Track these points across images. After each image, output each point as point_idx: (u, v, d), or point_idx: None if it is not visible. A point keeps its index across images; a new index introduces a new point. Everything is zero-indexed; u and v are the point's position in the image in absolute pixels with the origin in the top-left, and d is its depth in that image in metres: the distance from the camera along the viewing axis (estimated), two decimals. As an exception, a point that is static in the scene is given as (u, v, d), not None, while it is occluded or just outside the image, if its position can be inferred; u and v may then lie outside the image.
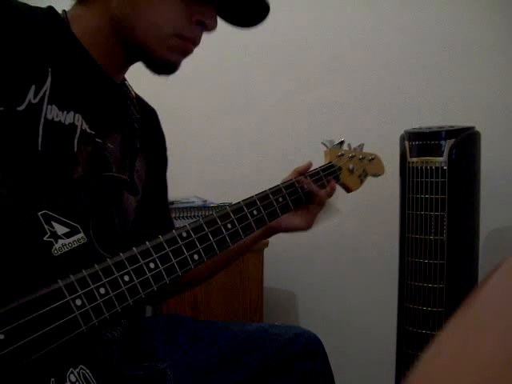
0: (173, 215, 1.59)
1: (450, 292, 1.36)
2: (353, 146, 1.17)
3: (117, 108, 0.85)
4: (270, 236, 1.02)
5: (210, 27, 0.80)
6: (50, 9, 0.78)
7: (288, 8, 1.97)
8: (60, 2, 0.82)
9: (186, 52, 0.81)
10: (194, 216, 1.64)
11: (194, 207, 1.65)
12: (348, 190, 1.13)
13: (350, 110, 1.88)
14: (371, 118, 1.83)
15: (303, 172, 1.01)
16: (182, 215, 1.62)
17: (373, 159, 1.20)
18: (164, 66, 0.80)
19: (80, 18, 0.78)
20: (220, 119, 2.12)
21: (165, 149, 1.02)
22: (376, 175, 1.22)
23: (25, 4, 0.74)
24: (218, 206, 1.66)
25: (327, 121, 1.91)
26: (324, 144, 1.12)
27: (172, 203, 1.61)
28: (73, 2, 0.79)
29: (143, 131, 0.91)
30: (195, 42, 0.81)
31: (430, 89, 1.74)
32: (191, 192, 1.89)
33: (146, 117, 0.95)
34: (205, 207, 1.67)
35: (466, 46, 1.68)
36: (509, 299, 0.25)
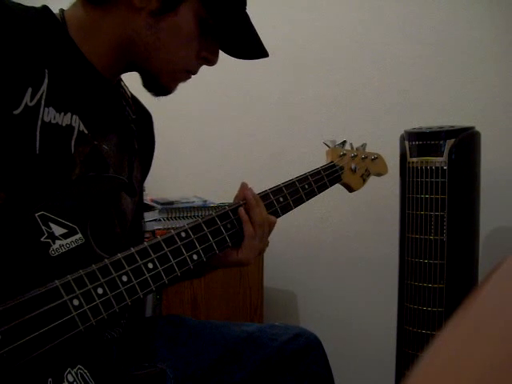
0: (173, 215, 1.60)
1: (450, 292, 1.36)
2: (355, 146, 1.17)
3: (113, 109, 0.85)
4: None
5: (213, 63, 0.85)
6: (45, 8, 0.77)
7: (288, 8, 1.97)
8: (57, 1, 0.81)
9: (185, 81, 0.86)
10: (193, 216, 1.64)
11: (193, 207, 1.65)
12: (350, 189, 1.14)
13: (349, 110, 1.87)
14: (371, 117, 1.83)
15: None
16: (182, 215, 1.62)
17: (376, 158, 1.20)
18: (163, 90, 0.85)
19: (81, 20, 0.76)
20: (220, 119, 2.12)
21: (152, 155, 1.01)
22: (379, 174, 1.22)
23: (18, 4, 0.73)
24: (218, 206, 1.66)
25: (327, 121, 1.91)
26: (326, 144, 1.12)
27: (172, 203, 1.61)
28: (77, 2, 0.78)
29: (139, 132, 0.90)
30: (196, 73, 0.86)
31: (430, 89, 1.74)
32: (191, 192, 1.88)
33: (142, 118, 0.94)
34: (205, 207, 1.67)
35: (466, 45, 1.68)
36: (509, 299, 0.25)
